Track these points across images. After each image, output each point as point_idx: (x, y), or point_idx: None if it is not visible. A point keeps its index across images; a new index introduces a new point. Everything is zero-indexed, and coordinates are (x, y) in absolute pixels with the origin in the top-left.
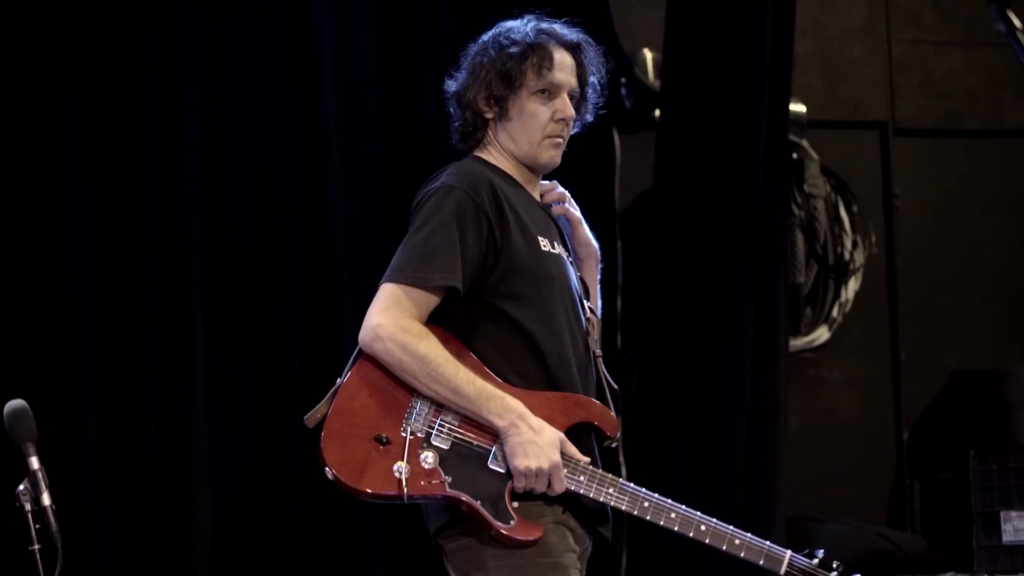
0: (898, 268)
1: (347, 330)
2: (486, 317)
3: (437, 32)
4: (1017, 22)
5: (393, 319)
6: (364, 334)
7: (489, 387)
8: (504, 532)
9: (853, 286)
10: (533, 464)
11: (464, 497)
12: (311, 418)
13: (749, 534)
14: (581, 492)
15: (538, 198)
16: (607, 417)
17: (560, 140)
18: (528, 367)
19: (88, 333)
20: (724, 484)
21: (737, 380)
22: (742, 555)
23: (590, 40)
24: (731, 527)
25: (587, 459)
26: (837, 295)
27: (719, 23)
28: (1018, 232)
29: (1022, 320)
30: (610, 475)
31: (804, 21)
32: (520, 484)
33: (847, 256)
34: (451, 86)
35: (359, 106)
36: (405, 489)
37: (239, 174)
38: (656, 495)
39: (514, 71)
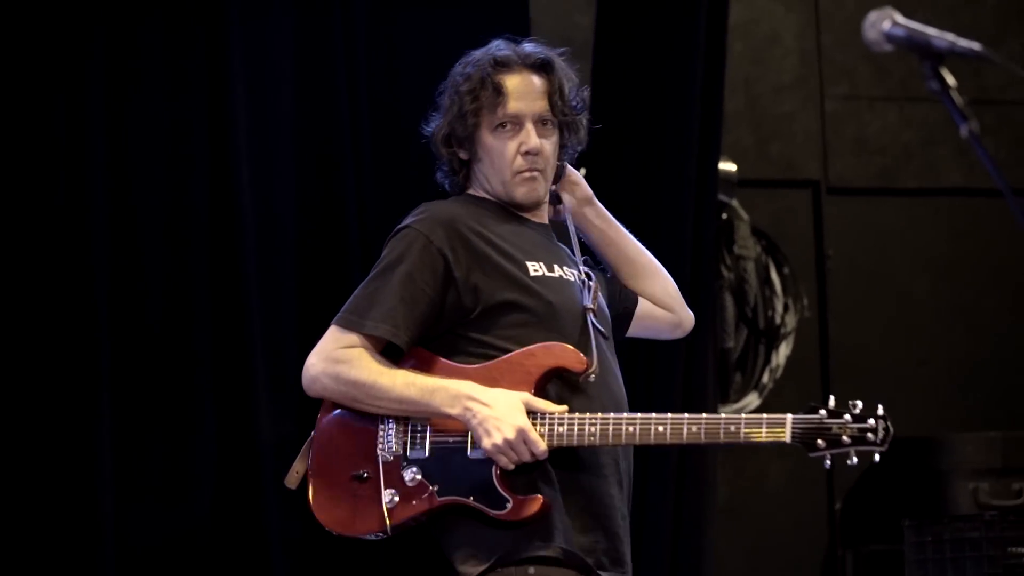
0: (830, 332)
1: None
2: (473, 354)
3: (354, 80)
4: (951, 80)
5: (323, 353)
6: (303, 378)
7: (430, 381)
8: (503, 518)
9: (784, 351)
10: (498, 439)
11: (456, 499)
12: (291, 479)
13: (742, 415)
14: (565, 444)
15: (543, 220)
16: (569, 355)
17: (532, 174)
18: None
19: None
20: (652, 557)
21: (664, 451)
22: (742, 437)
23: (556, 53)
24: (722, 416)
25: (562, 408)
26: (768, 360)
27: (646, 78)
28: (953, 293)
29: (958, 385)
30: (597, 415)
31: (734, 76)
32: (502, 463)
33: (778, 320)
34: (427, 130)
35: (273, 165)
36: (388, 521)
37: (148, 235)
38: (642, 414)
39: (468, 109)
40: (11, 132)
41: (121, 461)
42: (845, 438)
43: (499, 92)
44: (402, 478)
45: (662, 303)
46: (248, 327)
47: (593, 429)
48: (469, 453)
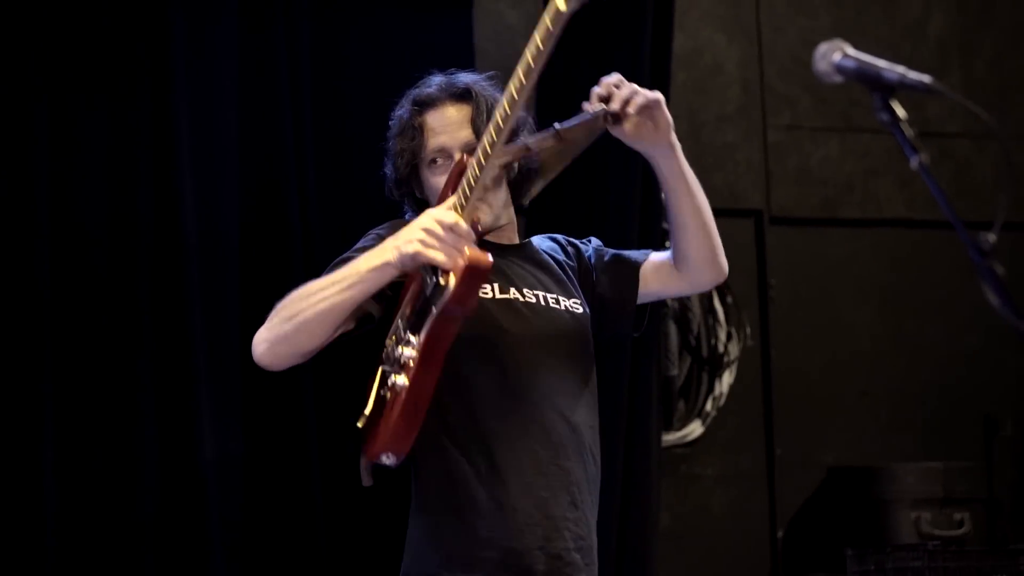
0: (773, 361)
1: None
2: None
3: (299, 107)
4: (901, 112)
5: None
6: (255, 356)
7: (354, 257)
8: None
9: (727, 379)
10: (414, 238)
11: (426, 331)
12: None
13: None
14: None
15: (513, 240)
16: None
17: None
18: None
19: None
20: None
21: (609, 476)
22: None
23: (484, 78)
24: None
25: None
26: (711, 388)
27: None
28: (895, 324)
29: (900, 415)
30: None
31: (677, 106)
32: (441, 262)
33: (721, 348)
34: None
35: (216, 182)
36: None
37: (92, 250)
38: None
39: (401, 150)
40: None
41: (62, 478)
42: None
43: (422, 131)
44: (402, 359)
45: (702, 261)
46: (192, 346)
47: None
48: (427, 292)
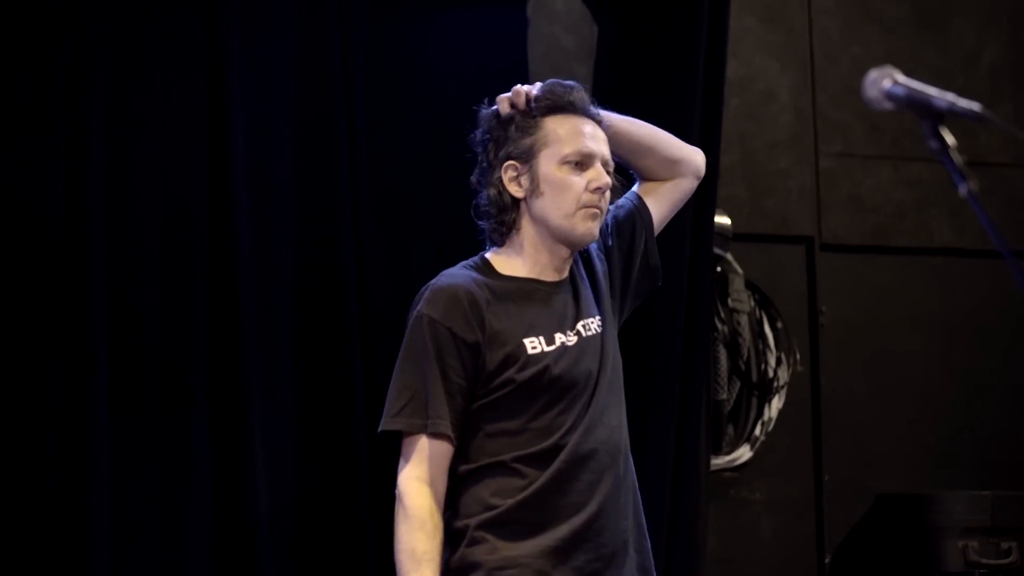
0: (822, 386)
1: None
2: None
3: (352, 99)
4: (951, 140)
5: (404, 475)
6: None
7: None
8: None
9: (776, 404)
10: None
11: None
12: None
13: None
14: None
15: (563, 275)
16: None
17: (596, 210)
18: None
19: None
20: None
21: (657, 499)
22: None
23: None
24: None
25: None
26: (760, 413)
27: None
28: (945, 352)
29: (947, 443)
30: None
31: (730, 132)
32: None
33: (771, 373)
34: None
35: (271, 185)
36: None
37: (147, 250)
38: None
39: (534, 138)
40: (9, 135)
41: (117, 495)
42: None
43: (568, 129)
44: None
45: (671, 173)
46: (245, 369)
47: None
48: None
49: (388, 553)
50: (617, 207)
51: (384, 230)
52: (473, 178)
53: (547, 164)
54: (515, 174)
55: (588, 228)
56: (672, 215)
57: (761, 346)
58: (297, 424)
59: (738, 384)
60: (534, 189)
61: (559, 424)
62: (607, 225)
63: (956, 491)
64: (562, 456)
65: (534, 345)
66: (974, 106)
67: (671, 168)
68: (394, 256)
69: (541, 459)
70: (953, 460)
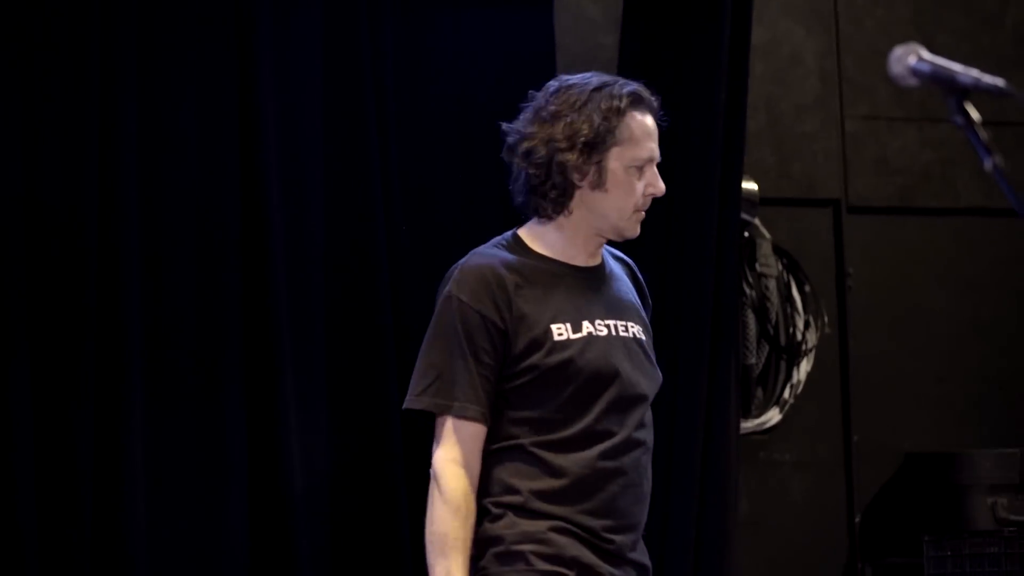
0: (850, 348)
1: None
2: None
3: (381, 91)
4: (976, 115)
5: (439, 456)
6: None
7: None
8: None
9: (805, 367)
10: None
11: None
12: None
13: None
14: None
15: (597, 259)
16: None
17: (643, 215)
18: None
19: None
20: (675, 569)
21: (688, 463)
22: None
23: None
24: None
25: None
26: (789, 376)
27: (671, 97)
28: (972, 311)
29: (976, 401)
30: None
31: (756, 96)
32: None
33: (799, 337)
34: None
35: (302, 176)
36: None
37: (180, 248)
38: None
39: (612, 129)
40: (42, 140)
41: (152, 481)
42: None
43: (644, 130)
44: None
45: None
46: (279, 356)
47: None
48: None
49: (422, 530)
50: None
51: (415, 221)
52: (523, 146)
53: (617, 162)
54: (581, 161)
55: (637, 230)
56: None
57: (789, 310)
58: (330, 406)
59: (767, 348)
60: (600, 183)
61: (581, 413)
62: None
63: (985, 449)
64: (586, 449)
65: (560, 332)
66: (999, 81)
67: None
68: (425, 246)
69: (562, 447)
70: (982, 418)
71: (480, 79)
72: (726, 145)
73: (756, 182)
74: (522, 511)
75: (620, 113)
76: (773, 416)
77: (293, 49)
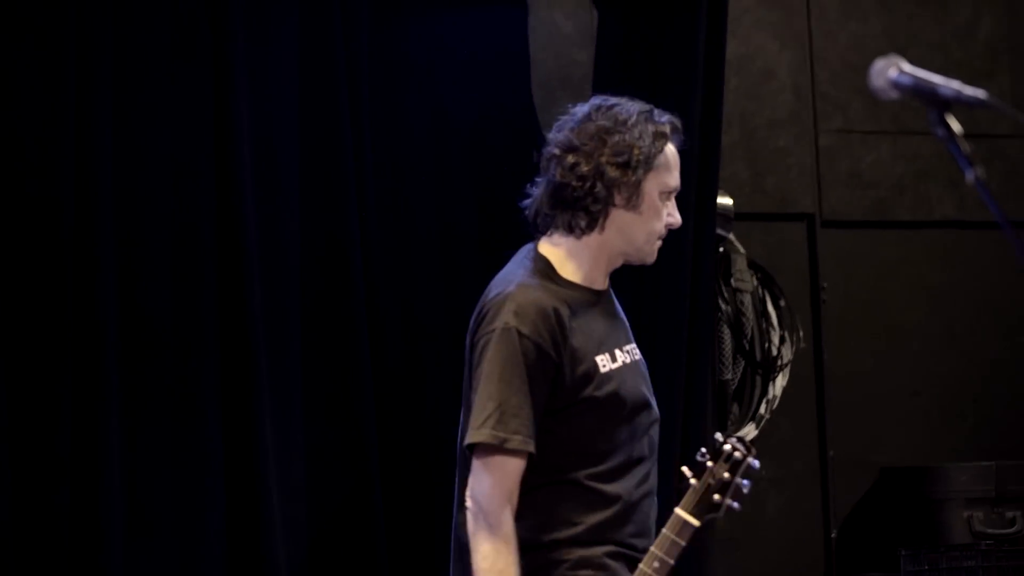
0: (826, 363)
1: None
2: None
3: (357, 110)
4: (957, 127)
5: (480, 494)
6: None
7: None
8: None
9: (781, 382)
10: None
11: None
12: None
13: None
14: None
15: (606, 283)
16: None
17: (660, 243)
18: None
19: None
20: None
21: (664, 479)
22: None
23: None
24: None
25: None
26: (764, 392)
27: None
28: (947, 324)
29: (952, 415)
30: None
31: (730, 111)
32: None
33: (774, 352)
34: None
35: (278, 181)
36: None
37: (156, 252)
38: None
39: (653, 157)
40: (16, 138)
41: (130, 495)
42: (726, 475)
43: (676, 160)
44: None
45: None
46: (255, 366)
47: None
48: None
49: (399, 547)
50: None
51: (390, 225)
52: (569, 159)
53: (652, 185)
54: (625, 179)
55: (655, 257)
56: None
57: (764, 325)
58: (307, 420)
59: (742, 363)
60: (635, 204)
61: (624, 442)
62: None
63: (960, 462)
64: (628, 475)
65: (604, 364)
66: (979, 93)
67: None
68: (400, 251)
69: (611, 477)
70: (957, 432)
71: (454, 85)
72: (701, 160)
73: (730, 197)
74: (578, 542)
75: (663, 139)
76: (749, 432)
77: (268, 54)
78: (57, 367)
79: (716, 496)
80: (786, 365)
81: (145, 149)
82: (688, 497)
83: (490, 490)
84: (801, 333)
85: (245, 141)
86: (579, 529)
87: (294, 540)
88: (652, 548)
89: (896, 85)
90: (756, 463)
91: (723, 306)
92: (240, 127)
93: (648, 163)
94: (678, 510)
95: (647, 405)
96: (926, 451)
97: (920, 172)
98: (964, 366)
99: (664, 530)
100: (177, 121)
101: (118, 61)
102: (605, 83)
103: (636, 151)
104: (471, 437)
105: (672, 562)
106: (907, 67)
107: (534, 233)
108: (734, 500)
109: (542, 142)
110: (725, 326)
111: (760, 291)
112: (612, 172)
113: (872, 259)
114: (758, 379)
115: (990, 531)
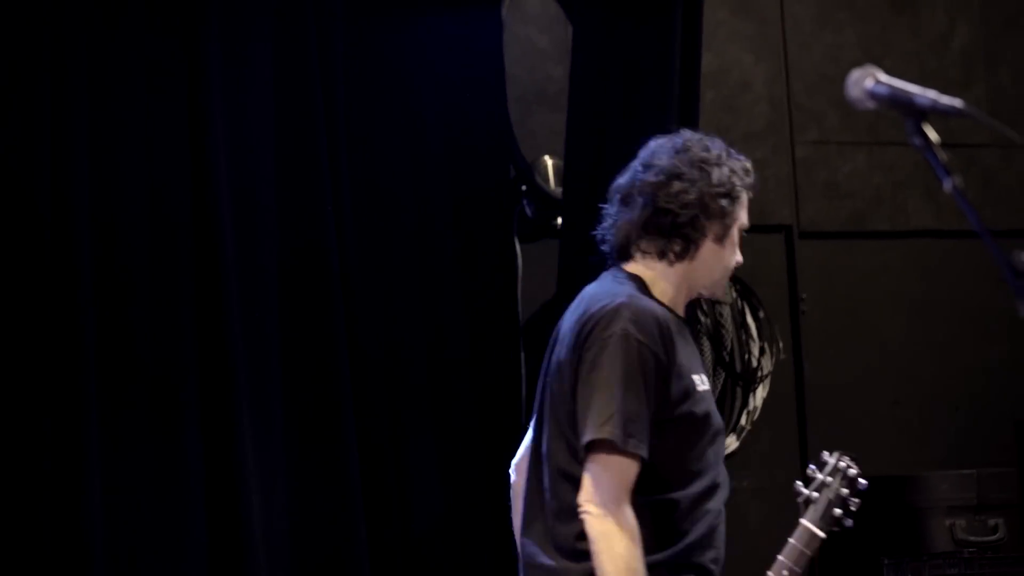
0: (806, 374)
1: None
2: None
3: (332, 117)
4: (934, 136)
5: (604, 493)
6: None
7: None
8: None
9: (761, 393)
10: None
11: None
12: None
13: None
14: None
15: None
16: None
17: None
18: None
19: None
20: None
21: None
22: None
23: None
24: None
25: None
26: (745, 403)
27: (621, 127)
28: (925, 333)
29: (932, 423)
30: None
31: (706, 123)
32: None
33: (755, 363)
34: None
35: (255, 194)
36: None
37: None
38: None
39: (739, 198)
40: None
41: (110, 512)
42: (844, 491)
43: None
44: None
45: None
46: (234, 380)
47: None
48: None
49: (382, 565)
50: None
51: (367, 238)
52: (675, 186)
53: (736, 222)
54: (723, 211)
55: (725, 293)
56: None
57: (744, 336)
58: (288, 436)
59: (723, 375)
60: (723, 237)
61: (710, 464)
62: None
63: (941, 471)
64: (714, 498)
65: (699, 383)
66: (956, 102)
67: None
68: (378, 262)
69: (701, 500)
70: (938, 440)
71: (429, 91)
72: None
73: None
74: (669, 564)
75: (749, 176)
76: (731, 443)
77: (243, 67)
78: (36, 386)
79: (837, 511)
80: (766, 376)
81: (121, 165)
82: (813, 510)
83: (615, 490)
84: (781, 344)
85: (221, 155)
86: (667, 553)
87: (276, 558)
88: (780, 557)
89: (873, 95)
90: (865, 481)
91: (702, 318)
92: (216, 141)
93: (739, 198)
94: (805, 522)
95: (723, 429)
96: (907, 460)
97: (897, 182)
98: (944, 375)
99: (792, 540)
100: (153, 136)
101: (92, 78)
102: (581, 97)
103: (738, 183)
104: (594, 434)
105: (800, 572)
106: (883, 77)
107: (609, 259)
108: (847, 516)
109: (518, 155)
110: (705, 338)
111: (739, 303)
112: (713, 203)
113: (850, 269)
114: (739, 391)
115: (972, 539)
